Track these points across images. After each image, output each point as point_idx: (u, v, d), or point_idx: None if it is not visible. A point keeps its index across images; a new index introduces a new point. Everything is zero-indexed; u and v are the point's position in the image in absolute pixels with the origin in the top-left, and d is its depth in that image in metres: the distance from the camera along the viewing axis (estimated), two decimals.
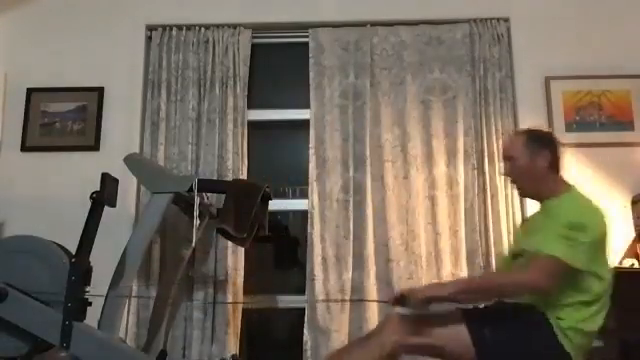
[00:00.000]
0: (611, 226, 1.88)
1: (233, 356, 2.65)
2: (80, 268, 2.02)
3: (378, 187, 2.92)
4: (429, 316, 1.89)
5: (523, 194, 2.10)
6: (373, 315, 2.76)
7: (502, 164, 2.86)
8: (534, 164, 1.95)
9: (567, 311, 1.80)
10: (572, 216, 1.82)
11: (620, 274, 2.45)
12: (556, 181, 1.97)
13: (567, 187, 1.97)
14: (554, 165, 1.97)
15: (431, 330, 1.83)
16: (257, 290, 2.99)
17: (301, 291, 2.87)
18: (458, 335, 1.79)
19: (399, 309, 1.91)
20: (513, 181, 2.07)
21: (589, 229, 1.79)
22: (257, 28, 3.14)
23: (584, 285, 1.79)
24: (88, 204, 2.09)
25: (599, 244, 1.83)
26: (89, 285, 2.10)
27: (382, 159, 2.94)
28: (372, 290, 2.79)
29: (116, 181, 2.23)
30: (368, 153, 2.92)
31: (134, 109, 3.03)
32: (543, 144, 1.97)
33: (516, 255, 2.01)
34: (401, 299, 1.87)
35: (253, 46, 3.12)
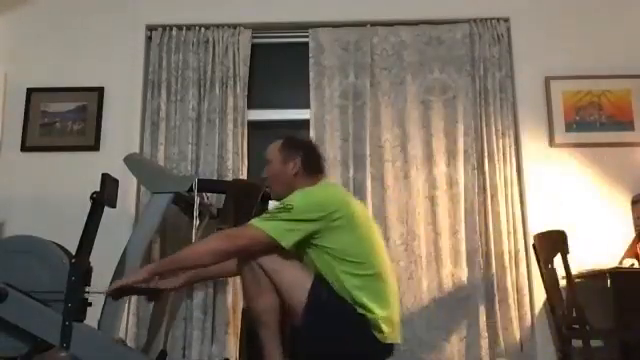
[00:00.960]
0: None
1: None
2: (80, 268, 2.02)
3: (378, 187, 2.92)
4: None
5: (275, 197, 2.06)
6: None
7: (502, 165, 2.91)
8: (286, 169, 1.96)
9: (338, 285, 1.79)
10: (291, 199, 1.80)
11: (620, 274, 2.46)
12: (305, 182, 1.94)
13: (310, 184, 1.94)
14: (306, 169, 1.96)
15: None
16: None
17: None
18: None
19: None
20: (268, 184, 2.06)
21: (296, 210, 1.77)
22: (257, 28, 3.14)
23: None
24: (88, 204, 2.08)
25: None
26: (89, 285, 2.09)
27: (382, 159, 2.94)
28: None
29: (116, 181, 2.23)
30: (368, 153, 2.92)
31: (134, 109, 3.03)
32: (295, 150, 1.97)
33: None
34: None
35: (253, 46, 3.12)
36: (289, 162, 1.95)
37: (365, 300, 1.75)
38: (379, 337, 1.75)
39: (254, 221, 1.78)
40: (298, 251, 1.81)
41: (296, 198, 1.80)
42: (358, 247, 1.80)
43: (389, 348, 1.81)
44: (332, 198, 1.83)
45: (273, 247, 1.75)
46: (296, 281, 1.77)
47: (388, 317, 1.78)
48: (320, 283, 1.77)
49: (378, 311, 1.75)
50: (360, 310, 1.75)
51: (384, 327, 1.75)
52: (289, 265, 1.78)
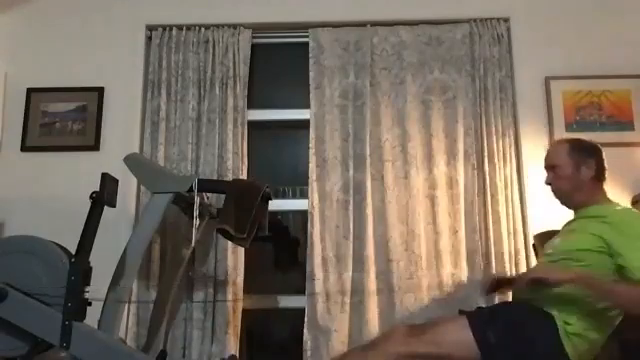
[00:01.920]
0: None
1: (231, 357, 2.64)
2: (80, 268, 2.02)
3: (378, 187, 2.92)
4: (433, 325, 1.89)
5: (564, 203, 2.10)
6: (373, 316, 2.76)
7: (502, 165, 2.91)
8: (578, 173, 1.98)
9: (578, 317, 1.79)
10: None
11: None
12: (600, 190, 2.00)
13: (607, 197, 2.01)
14: (599, 174, 1.99)
15: (436, 339, 1.82)
16: (257, 290, 2.99)
17: (301, 291, 2.87)
18: (463, 341, 1.79)
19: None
20: (554, 190, 2.08)
21: None
22: (257, 28, 3.14)
23: None
24: (88, 204, 2.09)
25: None
26: (89, 285, 2.09)
27: (382, 159, 2.94)
28: (372, 290, 2.78)
29: (116, 181, 2.23)
30: (368, 153, 2.92)
31: (134, 109, 3.03)
32: (588, 153, 2.00)
33: (539, 256, 2.09)
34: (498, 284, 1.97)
35: (253, 46, 3.12)
36: (582, 166, 1.96)
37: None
38: None
39: None
40: None
41: None
42: None
43: None
44: None
45: None
46: None
47: None
48: None
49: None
50: None
51: None
52: None
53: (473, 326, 1.81)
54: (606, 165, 2.03)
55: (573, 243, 1.90)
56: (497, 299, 2.61)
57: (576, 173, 1.98)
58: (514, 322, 1.83)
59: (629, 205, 2.83)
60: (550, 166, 2.08)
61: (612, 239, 1.81)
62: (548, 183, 2.09)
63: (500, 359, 1.76)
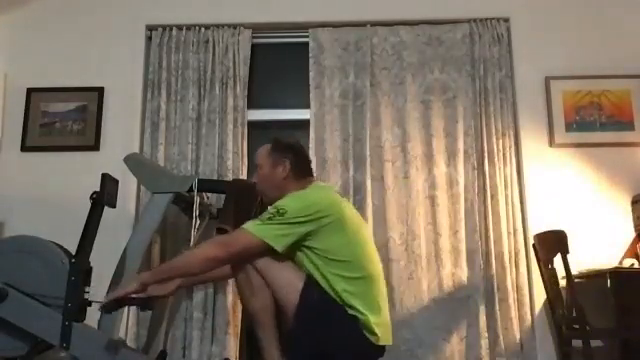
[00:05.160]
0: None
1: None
2: (80, 268, 2.02)
3: (378, 187, 2.92)
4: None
5: (267, 201, 2.04)
6: None
7: (502, 165, 2.91)
8: (276, 172, 1.96)
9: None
10: (282, 203, 1.81)
11: (620, 274, 2.46)
12: (296, 186, 1.94)
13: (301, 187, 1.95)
14: (296, 172, 1.96)
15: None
16: None
17: None
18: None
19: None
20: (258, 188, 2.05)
21: (287, 213, 1.77)
22: (257, 28, 3.14)
23: None
24: (88, 204, 2.09)
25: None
26: (89, 285, 2.09)
27: (382, 159, 2.94)
28: None
29: (116, 181, 2.23)
30: (368, 153, 2.92)
31: (134, 109, 3.03)
32: (284, 153, 1.97)
33: None
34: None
35: (253, 46, 3.12)
36: (279, 166, 1.96)
37: (355, 302, 1.76)
38: (371, 339, 1.75)
39: (247, 226, 1.78)
40: (289, 253, 1.81)
41: (288, 201, 1.81)
42: (347, 249, 1.80)
43: (381, 350, 1.81)
44: (324, 200, 1.84)
45: (266, 250, 1.75)
46: (288, 282, 1.78)
47: (378, 319, 1.78)
48: (311, 284, 1.77)
49: (368, 313, 1.76)
50: (351, 312, 1.75)
51: (375, 329, 1.76)
52: (281, 266, 1.79)
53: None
54: (303, 161, 2.00)
55: None
56: None
57: (272, 172, 1.97)
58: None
59: (629, 205, 2.84)
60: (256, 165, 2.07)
61: None
62: (254, 181, 2.08)
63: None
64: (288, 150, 1.99)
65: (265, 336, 1.78)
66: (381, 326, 1.78)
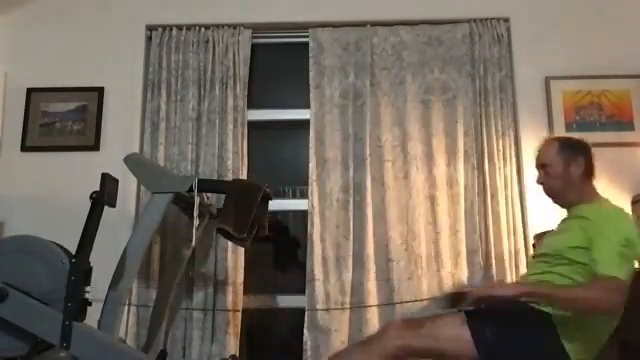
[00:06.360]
0: None
1: (232, 356, 2.64)
2: (80, 268, 2.02)
3: (378, 187, 2.92)
4: (431, 319, 1.88)
5: (557, 201, 2.08)
6: (373, 316, 2.76)
7: (502, 165, 2.91)
8: (568, 171, 1.98)
9: (577, 315, 1.78)
10: (626, 232, 1.80)
11: None
12: (589, 187, 1.99)
13: (597, 194, 2.00)
14: (588, 172, 1.99)
15: (434, 334, 1.82)
16: (257, 290, 2.99)
17: (301, 291, 2.87)
18: (460, 337, 1.79)
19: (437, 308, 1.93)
20: (546, 189, 2.07)
21: (637, 245, 1.80)
22: (257, 28, 3.14)
23: None
24: (88, 204, 2.08)
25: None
26: (89, 285, 2.09)
27: (382, 159, 2.94)
28: (372, 290, 2.78)
29: (116, 181, 2.23)
30: (368, 153, 2.92)
31: (134, 109, 3.03)
32: (577, 151, 2.00)
33: (535, 256, 2.06)
34: (456, 299, 1.88)
35: (253, 46, 3.12)
36: (573, 164, 1.96)
37: None
38: None
39: (615, 270, 1.72)
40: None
41: (629, 228, 1.80)
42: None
43: None
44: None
45: None
46: None
47: None
48: None
49: None
50: None
51: None
52: None
53: (471, 323, 1.81)
54: (595, 162, 2.03)
55: (564, 241, 1.91)
56: None
57: (566, 171, 1.98)
58: (513, 321, 1.83)
59: (629, 205, 2.83)
60: (541, 165, 2.08)
61: (591, 235, 1.83)
62: (540, 182, 2.09)
63: (498, 358, 1.76)
64: (581, 147, 1.99)
65: None
66: None
